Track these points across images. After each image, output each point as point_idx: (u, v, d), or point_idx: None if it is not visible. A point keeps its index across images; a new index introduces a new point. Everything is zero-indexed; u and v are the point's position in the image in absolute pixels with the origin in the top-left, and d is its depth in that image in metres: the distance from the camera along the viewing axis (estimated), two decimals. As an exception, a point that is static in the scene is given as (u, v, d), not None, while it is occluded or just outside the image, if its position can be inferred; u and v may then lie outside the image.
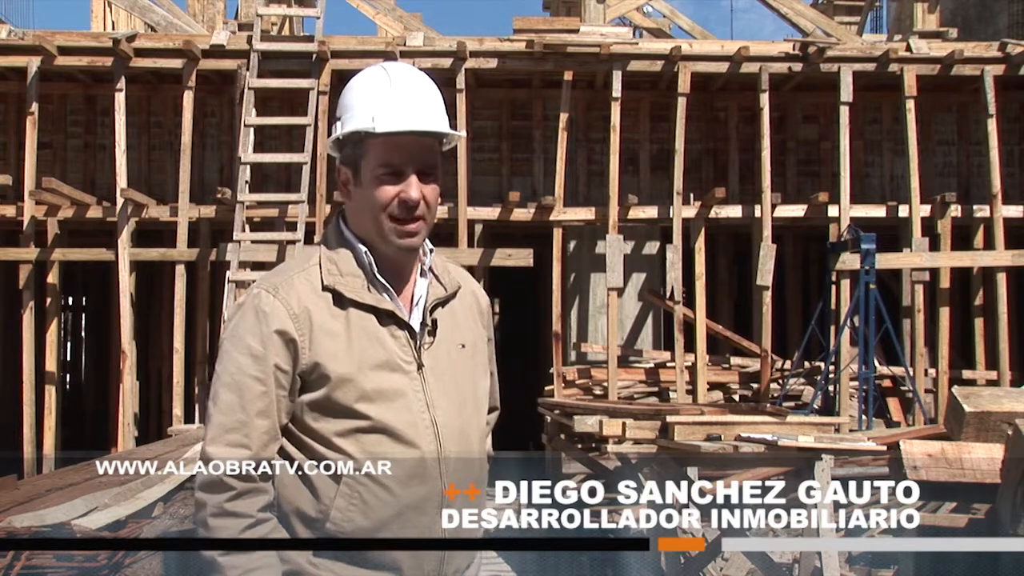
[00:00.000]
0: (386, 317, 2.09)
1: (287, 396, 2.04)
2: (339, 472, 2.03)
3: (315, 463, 2.06)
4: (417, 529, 2.06)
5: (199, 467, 2.04)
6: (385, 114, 2.07)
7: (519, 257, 10.20)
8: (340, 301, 2.07)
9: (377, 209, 2.08)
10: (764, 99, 10.34)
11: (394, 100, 2.08)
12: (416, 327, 2.13)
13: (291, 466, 2.07)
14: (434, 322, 2.16)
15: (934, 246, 10.31)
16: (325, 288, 2.07)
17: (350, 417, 2.03)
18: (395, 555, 2.04)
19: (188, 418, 9.93)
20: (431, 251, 2.21)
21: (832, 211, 10.43)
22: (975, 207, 10.68)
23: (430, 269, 2.20)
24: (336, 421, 2.04)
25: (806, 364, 10.70)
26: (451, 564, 2.12)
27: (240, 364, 2.03)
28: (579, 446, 8.55)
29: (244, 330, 2.04)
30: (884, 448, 5.26)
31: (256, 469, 2.01)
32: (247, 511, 1.99)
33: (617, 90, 10.23)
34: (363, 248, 2.11)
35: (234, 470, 1.99)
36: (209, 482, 2.00)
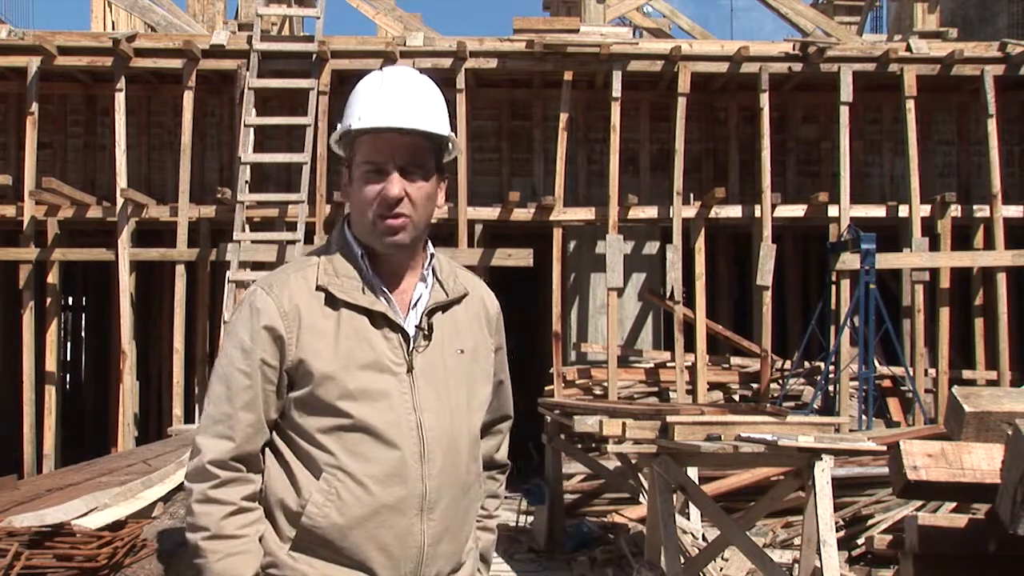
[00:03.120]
0: (379, 319, 2.11)
1: (274, 391, 2.07)
2: (320, 467, 2.05)
3: (298, 457, 2.08)
4: (394, 530, 2.05)
5: (191, 457, 2.10)
6: (369, 113, 2.10)
7: (519, 257, 10.20)
8: (332, 301, 2.10)
9: (364, 207, 2.11)
10: (764, 99, 10.34)
11: (380, 99, 2.11)
12: (410, 330, 2.14)
13: (279, 460, 2.10)
14: (430, 326, 2.17)
15: (934, 246, 10.31)
16: (319, 288, 2.11)
17: (332, 415, 2.05)
18: (370, 554, 2.05)
19: (188, 418, 9.93)
20: (432, 255, 2.22)
21: (832, 211, 10.43)
22: (975, 207, 10.68)
23: (432, 273, 2.21)
24: (319, 418, 2.06)
25: (806, 364, 10.69)
26: (431, 567, 2.10)
27: (231, 358, 2.08)
28: (579, 446, 8.55)
29: (239, 326, 2.10)
30: (884, 448, 5.25)
31: (238, 460, 2.05)
32: (230, 499, 2.03)
33: (617, 90, 10.23)
34: (359, 251, 2.14)
35: (217, 459, 2.03)
36: (194, 470, 2.06)
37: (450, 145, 2.19)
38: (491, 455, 2.38)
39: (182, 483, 3.38)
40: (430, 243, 2.24)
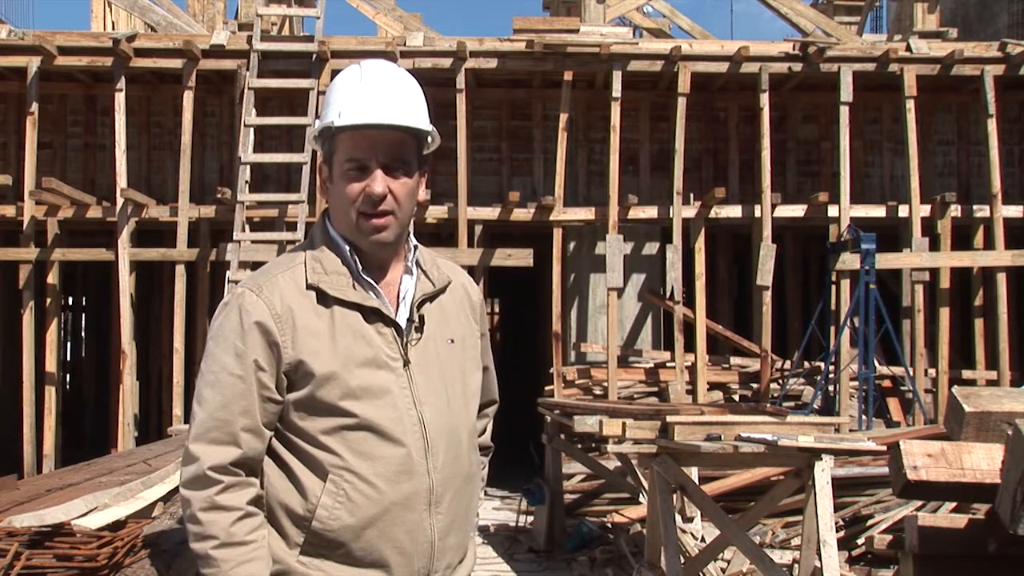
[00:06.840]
0: (372, 314, 2.09)
1: (270, 394, 2.03)
2: (326, 469, 2.02)
3: (300, 460, 2.05)
4: (405, 526, 2.05)
5: (184, 465, 2.05)
6: (349, 109, 2.08)
7: (519, 257, 10.19)
8: (324, 299, 2.07)
9: (347, 204, 2.08)
10: (764, 99, 10.33)
11: (360, 95, 2.09)
12: (403, 323, 2.13)
13: (279, 464, 2.07)
14: (421, 318, 2.16)
15: (934, 246, 10.31)
16: (309, 287, 2.07)
17: (335, 415, 2.03)
18: (384, 552, 2.03)
19: (188, 418, 9.90)
20: (416, 247, 2.21)
21: (832, 211, 10.43)
22: (975, 207, 10.68)
23: (417, 264, 2.20)
24: (321, 419, 2.03)
25: (806, 364, 10.69)
26: (441, 560, 2.11)
27: (224, 363, 2.03)
28: (579, 446, 8.55)
29: (228, 329, 2.05)
30: (884, 448, 5.25)
31: (239, 465, 2.01)
32: (236, 504, 1.99)
33: (617, 90, 10.22)
34: (347, 247, 2.11)
35: (217, 465, 1.99)
36: (195, 478, 2.00)
37: (429, 138, 2.17)
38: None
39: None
40: (412, 235, 2.23)
